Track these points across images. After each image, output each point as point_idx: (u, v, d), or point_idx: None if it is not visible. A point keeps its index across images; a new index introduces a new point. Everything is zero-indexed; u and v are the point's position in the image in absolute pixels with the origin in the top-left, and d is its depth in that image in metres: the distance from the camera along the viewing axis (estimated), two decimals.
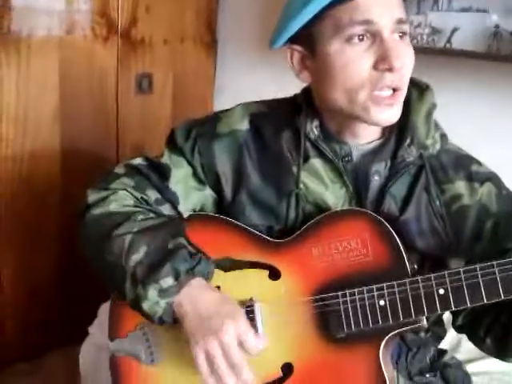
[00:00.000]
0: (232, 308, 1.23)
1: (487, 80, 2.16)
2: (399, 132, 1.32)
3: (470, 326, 1.37)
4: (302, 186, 1.34)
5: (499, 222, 1.32)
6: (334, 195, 1.33)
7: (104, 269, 1.33)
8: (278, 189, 1.36)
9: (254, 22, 2.76)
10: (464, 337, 1.44)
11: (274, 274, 1.31)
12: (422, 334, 1.39)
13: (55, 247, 2.62)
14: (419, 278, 1.19)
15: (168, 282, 1.22)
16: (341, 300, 1.24)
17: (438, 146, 1.35)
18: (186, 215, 1.41)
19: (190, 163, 1.40)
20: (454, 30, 2.12)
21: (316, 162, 1.34)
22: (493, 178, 1.36)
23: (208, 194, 1.41)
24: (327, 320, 1.25)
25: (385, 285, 1.21)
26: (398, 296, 1.20)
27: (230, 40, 2.95)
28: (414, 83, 1.33)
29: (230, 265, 1.33)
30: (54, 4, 2.39)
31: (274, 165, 1.37)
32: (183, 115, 2.82)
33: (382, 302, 1.21)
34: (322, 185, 1.34)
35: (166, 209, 1.40)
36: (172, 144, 1.43)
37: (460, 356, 1.65)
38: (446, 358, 1.49)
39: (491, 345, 1.33)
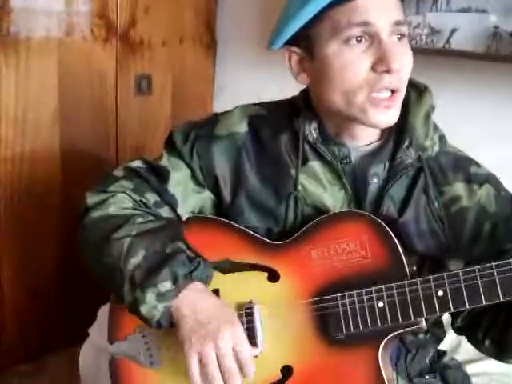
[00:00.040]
0: (229, 314, 1.23)
1: (487, 80, 2.15)
2: (398, 134, 1.32)
3: (468, 327, 1.38)
4: (300, 188, 1.34)
5: (498, 223, 1.32)
6: (332, 197, 1.33)
7: (103, 272, 1.33)
8: (276, 191, 1.36)
9: (254, 22, 2.76)
10: (464, 338, 1.44)
11: (273, 277, 1.31)
12: (422, 336, 1.39)
13: (55, 248, 2.62)
14: (418, 279, 1.19)
15: (166, 286, 1.22)
16: (340, 302, 1.24)
17: (436, 148, 1.35)
18: (184, 217, 1.41)
19: (189, 165, 1.40)
20: (453, 31, 2.12)
21: (315, 165, 1.34)
22: (491, 180, 1.36)
23: (207, 196, 1.41)
24: (326, 322, 1.25)
25: (384, 287, 1.21)
26: (396, 298, 1.20)
27: (229, 40, 2.95)
28: (412, 85, 1.33)
29: (229, 267, 1.33)
30: (53, 5, 2.39)
31: (272, 167, 1.37)
32: (183, 116, 2.84)
33: (380, 304, 1.21)
34: (320, 187, 1.34)
35: (164, 211, 1.40)
36: (170, 146, 1.43)
37: (459, 357, 1.65)
38: (446, 359, 1.48)
39: (490, 346, 1.33)
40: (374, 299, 1.21)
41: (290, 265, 1.30)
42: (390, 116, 1.24)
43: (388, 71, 1.19)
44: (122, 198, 1.37)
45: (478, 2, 2.06)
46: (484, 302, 1.15)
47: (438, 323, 1.44)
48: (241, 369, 1.19)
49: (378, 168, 1.32)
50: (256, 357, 1.26)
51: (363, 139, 1.33)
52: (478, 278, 1.15)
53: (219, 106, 2.95)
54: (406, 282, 1.20)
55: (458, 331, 1.42)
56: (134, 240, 1.28)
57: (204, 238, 1.35)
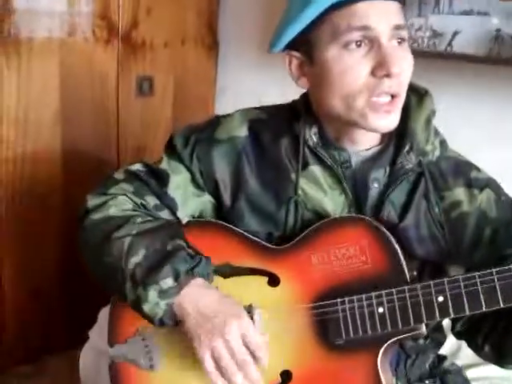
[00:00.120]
0: (234, 306, 1.23)
1: (488, 84, 2.15)
2: (398, 138, 1.32)
3: (468, 332, 1.37)
4: (300, 192, 1.34)
5: (498, 228, 1.32)
6: (332, 202, 1.33)
7: (103, 272, 1.33)
8: (276, 195, 1.35)
9: (256, 23, 2.75)
10: (464, 342, 1.44)
11: (274, 281, 1.31)
12: (421, 341, 1.38)
13: (56, 249, 2.62)
14: (418, 285, 1.19)
15: (168, 282, 1.22)
16: (339, 307, 1.24)
17: (437, 153, 1.34)
18: (184, 221, 1.41)
19: (189, 169, 1.40)
20: (455, 34, 2.11)
21: (315, 169, 1.34)
22: (492, 184, 1.36)
23: (207, 200, 1.41)
24: (326, 327, 1.25)
25: (384, 292, 1.21)
26: (396, 303, 1.20)
27: (231, 42, 2.95)
28: (412, 89, 1.32)
29: (229, 271, 1.33)
30: (56, 6, 2.39)
31: (272, 171, 1.37)
32: (184, 117, 2.84)
33: (380, 310, 1.21)
34: (320, 191, 1.33)
35: (164, 215, 1.39)
36: (171, 150, 1.43)
37: (460, 362, 1.64)
38: (446, 363, 1.48)
39: (490, 352, 1.33)
40: (374, 305, 1.21)
41: (290, 269, 1.30)
42: (390, 121, 1.24)
43: (388, 75, 1.19)
44: (122, 201, 1.37)
45: (480, 5, 2.05)
46: (484, 309, 1.15)
47: (438, 328, 1.43)
48: (254, 357, 1.19)
49: (379, 173, 1.31)
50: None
51: (363, 144, 1.33)
52: (479, 284, 1.15)
53: (221, 108, 2.95)
54: (406, 288, 1.20)
55: (458, 336, 1.42)
56: (134, 239, 1.28)
57: (204, 242, 1.34)
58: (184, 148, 1.41)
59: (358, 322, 1.22)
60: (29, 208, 2.50)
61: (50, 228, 2.59)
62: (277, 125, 1.40)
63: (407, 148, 1.31)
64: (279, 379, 1.27)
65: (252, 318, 1.26)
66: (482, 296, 1.15)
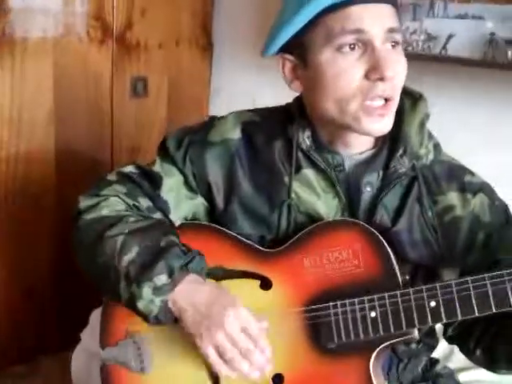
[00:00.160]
0: (228, 298, 1.22)
1: (483, 87, 2.15)
2: (392, 142, 1.32)
3: (460, 337, 1.37)
4: (293, 195, 1.34)
5: (491, 233, 1.32)
6: (325, 205, 1.33)
7: (97, 272, 1.33)
8: (269, 198, 1.35)
9: (250, 25, 2.75)
10: (456, 346, 1.44)
11: (266, 284, 1.31)
12: (414, 345, 1.38)
13: (49, 249, 2.61)
14: (410, 290, 1.19)
15: (162, 279, 1.21)
16: (332, 311, 1.24)
17: (431, 156, 1.34)
18: (177, 223, 1.40)
19: (182, 172, 1.39)
20: (450, 37, 2.11)
21: (308, 172, 1.33)
22: (485, 189, 1.35)
23: (199, 202, 1.41)
24: (318, 331, 1.25)
25: (376, 296, 1.21)
26: (389, 308, 1.20)
27: (225, 43, 2.94)
28: (406, 92, 1.32)
29: (221, 274, 1.33)
30: (50, 5, 2.39)
31: (265, 174, 1.36)
32: (179, 118, 2.84)
33: (373, 314, 1.21)
34: (314, 195, 1.33)
35: (157, 217, 1.39)
36: (164, 152, 1.42)
37: (452, 365, 1.64)
38: (438, 367, 1.48)
39: (481, 356, 1.33)
40: (367, 309, 1.21)
41: (282, 273, 1.30)
42: (383, 124, 1.24)
43: (381, 79, 1.19)
44: (114, 202, 1.37)
45: (474, 9, 2.05)
46: (477, 314, 1.15)
47: (431, 333, 1.43)
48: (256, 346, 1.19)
49: (372, 177, 1.31)
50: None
51: (357, 147, 1.32)
52: (471, 289, 1.15)
53: (215, 109, 2.95)
54: (398, 292, 1.20)
55: (450, 340, 1.42)
56: (127, 237, 1.28)
57: (197, 245, 1.33)
58: (177, 150, 1.40)
59: (350, 326, 1.22)
60: (22, 208, 2.50)
61: (43, 228, 2.58)
62: (270, 127, 1.39)
63: (401, 152, 1.30)
64: (271, 383, 1.27)
65: None
66: (474, 301, 1.15)
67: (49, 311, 2.69)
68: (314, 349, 1.25)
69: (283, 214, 1.34)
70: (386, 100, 1.22)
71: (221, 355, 1.18)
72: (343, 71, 1.20)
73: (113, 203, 1.36)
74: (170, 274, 1.22)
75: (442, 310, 1.17)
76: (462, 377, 1.64)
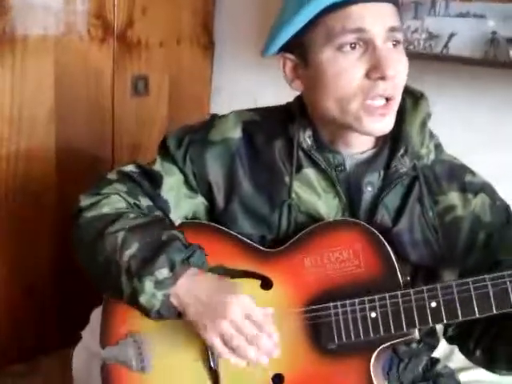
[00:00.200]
0: (229, 286, 1.23)
1: (484, 86, 2.15)
2: (393, 142, 1.31)
3: (460, 337, 1.37)
4: (294, 195, 1.33)
5: (492, 233, 1.31)
6: (326, 205, 1.32)
7: (98, 269, 1.33)
8: (270, 198, 1.35)
9: (251, 23, 2.74)
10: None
11: (266, 284, 1.31)
12: (414, 345, 1.38)
13: (50, 247, 2.61)
14: (411, 290, 1.19)
15: (163, 273, 1.22)
16: (332, 312, 1.23)
17: (432, 156, 1.34)
18: (177, 223, 1.40)
19: (182, 171, 1.39)
20: (451, 36, 2.11)
21: (309, 172, 1.33)
22: (486, 189, 1.35)
23: (200, 201, 1.41)
24: (319, 331, 1.25)
25: (376, 297, 1.21)
26: (389, 308, 1.20)
27: (226, 42, 2.94)
28: (408, 91, 1.32)
29: (222, 273, 1.32)
30: (51, 4, 2.38)
31: (266, 174, 1.36)
32: (179, 117, 2.84)
33: (373, 315, 1.21)
34: (314, 194, 1.33)
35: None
36: (164, 151, 1.42)
37: (453, 364, 1.64)
38: (439, 367, 1.48)
39: (481, 357, 1.33)
40: (367, 309, 1.21)
41: (283, 273, 1.29)
42: (384, 124, 1.23)
43: (382, 78, 1.19)
44: (115, 199, 1.37)
45: (476, 7, 2.05)
46: (477, 315, 1.15)
47: (432, 332, 1.43)
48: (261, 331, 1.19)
49: (373, 177, 1.31)
50: (248, 364, 1.26)
51: (358, 147, 1.32)
52: (472, 290, 1.15)
53: (216, 108, 2.94)
54: (399, 293, 1.20)
55: (450, 340, 1.42)
56: (127, 233, 1.28)
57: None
58: (177, 149, 1.40)
59: (351, 327, 1.22)
60: (22, 206, 2.49)
61: (43, 226, 2.58)
62: (271, 127, 1.39)
63: (402, 151, 1.30)
64: (271, 383, 1.27)
65: None
66: (474, 302, 1.15)
67: (49, 309, 2.69)
68: (315, 349, 1.25)
69: (284, 213, 1.34)
70: (387, 99, 1.22)
71: (227, 344, 1.18)
72: (344, 70, 1.20)
73: (113, 201, 1.37)
74: (172, 268, 1.22)
75: (443, 310, 1.16)
76: (462, 376, 1.64)
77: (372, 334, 1.21)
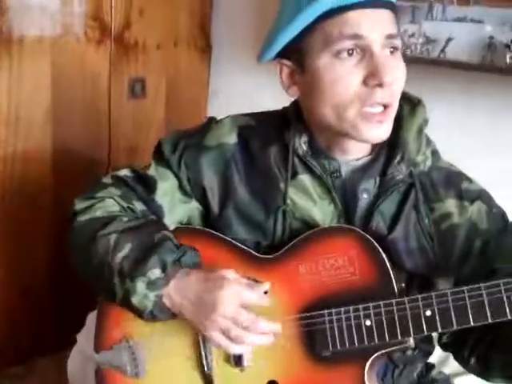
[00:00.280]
0: (218, 279, 1.22)
1: (482, 90, 2.15)
2: (389, 148, 1.31)
3: (454, 344, 1.37)
4: (289, 202, 1.33)
5: (489, 240, 1.31)
6: (321, 211, 1.32)
7: (92, 271, 1.33)
8: (265, 204, 1.34)
9: (249, 26, 2.74)
10: None
11: None
12: (410, 352, 1.37)
13: (47, 249, 2.60)
14: (406, 298, 1.19)
15: (155, 273, 1.22)
16: (327, 319, 1.23)
17: (429, 163, 1.33)
18: (172, 228, 1.40)
19: (177, 176, 1.39)
20: (449, 40, 2.11)
21: (304, 178, 1.33)
22: (483, 196, 1.35)
23: (194, 206, 1.40)
24: (313, 338, 1.25)
25: (371, 305, 1.20)
26: (384, 316, 1.19)
27: (224, 44, 2.93)
28: (405, 98, 1.31)
29: None
30: (48, 5, 2.38)
31: (261, 179, 1.36)
32: (176, 120, 2.83)
33: (368, 322, 1.20)
34: (310, 201, 1.32)
35: None
36: (159, 156, 1.42)
37: (448, 370, 1.64)
38: (434, 372, 1.48)
39: (475, 365, 1.32)
40: (362, 317, 1.21)
41: (278, 279, 1.29)
42: (382, 131, 1.23)
43: (380, 85, 1.18)
44: (109, 203, 1.37)
45: (473, 12, 2.04)
46: (472, 323, 1.15)
47: (427, 339, 1.42)
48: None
49: (369, 183, 1.30)
50: (242, 370, 1.28)
51: (354, 153, 1.31)
52: (467, 298, 1.15)
53: (213, 110, 2.94)
54: (393, 301, 1.19)
55: (444, 348, 1.42)
56: (120, 235, 1.29)
57: None
58: (172, 154, 1.40)
59: (345, 334, 1.22)
60: (19, 207, 2.49)
61: (40, 228, 2.58)
62: (266, 132, 1.39)
63: (398, 158, 1.29)
64: None
65: None
66: (469, 311, 1.14)
67: (46, 311, 2.69)
68: (309, 356, 1.25)
69: (278, 220, 1.33)
70: (385, 106, 1.21)
71: (226, 336, 1.20)
72: (341, 77, 1.19)
73: (107, 205, 1.37)
74: (164, 269, 1.22)
75: (438, 319, 1.16)
76: (457, 382, 1.64)
77: (366, 342, 1.20)
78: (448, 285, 1.29)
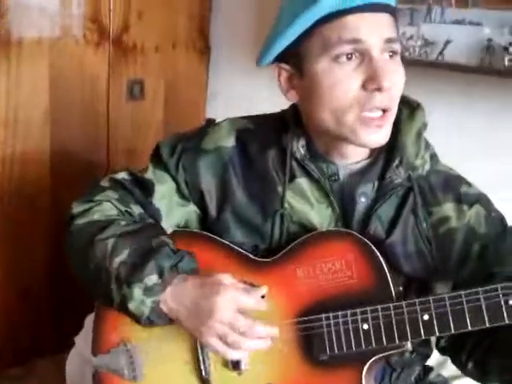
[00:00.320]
0: (213, 285, 1.22)
1: (481, 92, 2.14)
2: (388, 152, 1.30)
3: (452, 348, 1.36)
4: (286, 205, 1.33)
5: (487, 244, 1.31)
6: (319, 215, 1.32)
7: (89, 276, 1.33)
8: (263, 208, 1.34)
9: (247, 28, 2.74)
10: None
11: None
12: (407, 355, 1.37)
13: (45, 250, 2.61)
14: (403, 302, 1.19)
15: (152, 279, 1.22)
16: (324, 323, 1.23)
17: (427, 167, 1.33)
18: (169, 231, 1.40)
19: (174, 179, 1.39)
20: (447, 43, 2.10)
21: (302, 182, 1.32)
22: (482, 200, 1.34)
23: (192, 210, 1.40)
24: (310, 342, 1.24)
25: (369, 309, 1.20)
26: (381, 320, 1.19)
27: (222, 47, 2.93)
28: (404, 101, 1.30)
29: None
30: (47, 8, 2.38)
31: (259, 183, 1.35)
32: (175, 122, 2.83)
33: (365, 326, 1.20)
34: (307, 204, 1.32)
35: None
36: (157, 159, 1.42)
37: (447, 372, 1.64)
38: (432, 375, 1.48)
39: (473, 369, 1.32)
40: (359, 321, 1.21)
41: (275, 283, 1.29)
42: (381, 136, 1.22)
43: (379, 89, 1.17)
44: (107, 207, 1.37)
45: (472, 15, 2.04)
46: (470, 328, 1.15)
47: (425, 342, 1.41)
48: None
49: (367, 187, 1.30)
50: (239, 374, 1.27)
51: (353, 157, 1.31)
52: (465, 302, 1.14)
53: (212, 112, 2.94)
54: (391, 305, 1.19)
55: (442, 351, 1.41)
56: (117, 240, 1.29)
57: None
58: (170, 157, 1.39)
59: (343, 338, 1.22)
60: (17, 209, 2.49)
61: (38, 229, 2.58)
62: (264, 135, 1.38)
63: (397, 162, 1.29)
64: None
65: None
66: (467, 315, 1.14)
67: (44, 312, 2.69)
68: (307, 360, 1.25)
69: (276, 223, 1.33)
70: (384, 111, 1.21)
71: (224, 342, 1.19)
72: (339, 81, 1.19)
73: (105, 208, 1.37)
74: (161, 274, 1.22)
75: (435, 323, 1.16)
76: None
77: (364, 346, 1.20)
78: (446, 289, 1.29)
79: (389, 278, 1.22)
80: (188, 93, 2.94)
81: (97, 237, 1.30)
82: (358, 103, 1.19)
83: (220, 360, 1.30)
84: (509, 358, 1.22)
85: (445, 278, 1.30)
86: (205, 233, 1.38)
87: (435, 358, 1.83)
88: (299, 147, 1.32)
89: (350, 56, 1.18)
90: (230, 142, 1.39)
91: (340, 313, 1.22)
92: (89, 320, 1.90)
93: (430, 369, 1.49)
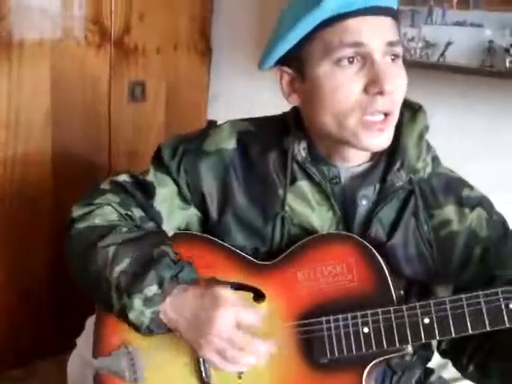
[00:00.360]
0: (213, 298, 1.21)
1: (482, 94, 2.14)
2: (389, 155, 1.30)
3: (453, 351, 1.36)
4: (287, 208, 1.32)
5: (489, 247, 1.30)
6: (320, 218, 1.31)
7: (89, 281, 1.33)
8: (263, 211, 1.34)
9: (249, 30, 2.74)
10: None
11: (259, 297, 1.30)
12: (408, 358, 1.36)
13: (47, 252, 2.61)
14: (404, 306, 1.18)
15: (152, 290, 1.21)
16: (325, 326, 1.23)
17: (429, 170, 1.33)
18: (170, 234, 1.39)
19: (176, 181, 1.39)
20: (448, 44, 2.10)
21: (303, 185, 1.32)
22: (484, 203, 1.34)
23: (193, 213, 1.40)
24: (311, 345, 1.24)
25: (369, 312, 1.20)
26: (382, 324, 1.19)
27: (224, 48, 2.93)
28: (406, 104, 1.30)
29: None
30: (48, 9, 2.38)
31: (260, 186, 1.35)
32: (176, 123, 2.83)
33: (366, 330, 1.20)
34: (308, 207, 1.32)
35: (150, 227, 1.38)
36: (158, 161, 1.42)
37: (448, 374, 1.63)
38: (433, 378, 1.48)
39: (474, 372, 1.32)
40: (359, 324, 1.20)
41: (275, 286, 1.29)
42: (382, 139, 1.22)
43: (381, 93, 1.17)
44: (107, 211, 1.37)
45: (473, 16, 2.04)
46: (470, 331, 1.14)
47: (426, 345, 1.41)
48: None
49: (368, 190, 1.30)
50: (240, 377, 1.27)
51: (354, 160, 1.31)
52: (465, 306, 1.14)
53: (213, 114, 2.94)
54: (391, 309, 1.19)
55: (443, 354, 1.41)
56: (119, 248, 1.28)
57: (191, 256, 1.33)
58: (171, 159, 1.39)
59: (343, 342, 1.21)
60: (19, 210, 2.50)
61: (40, 231, 2.58)
62: (266, 138, 1.38)
63: (398, 165, 1.29)
64: None
65: None
66: (468, 319, 1.14)
67: (46, 314, 2.69)
68: (307, 363, 1.25)
69: (277, 226, 1.33)
70: (386, 114, 1.20)
71: (222, 356, 1.19)
72: (341, 85, 1.19)
73: (106, 212, 1.36)
74: (161, 285, 1.22)
75: (436, 327, 1.16)
76: None
77: (364, 350, 1.20)
78: (447, 292, 1.29)
79: (390, 281, 1.22)
80: (189, 94, 2.95)
81: (98, 244, 1.29)
82: (360, 107, 1.19)
83: None
84: (509, 362, 1.22)
85: (446, 281, 1.30)
86: (205, 235, 1.38)
87: (436, 361, 1.82)
88: (300, 150, 1.32)
89: (351, 59, 1.18)
90: (231, 144, 1.38)
91: (340, 316, 1.22)
92: (90, 322, 1.90)
93: (430, 371, 1.48)
